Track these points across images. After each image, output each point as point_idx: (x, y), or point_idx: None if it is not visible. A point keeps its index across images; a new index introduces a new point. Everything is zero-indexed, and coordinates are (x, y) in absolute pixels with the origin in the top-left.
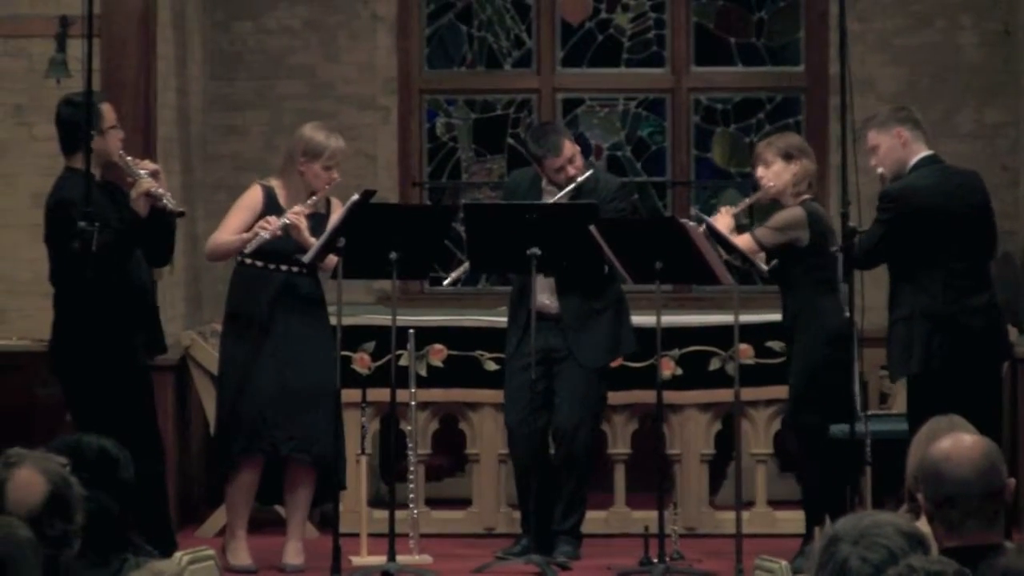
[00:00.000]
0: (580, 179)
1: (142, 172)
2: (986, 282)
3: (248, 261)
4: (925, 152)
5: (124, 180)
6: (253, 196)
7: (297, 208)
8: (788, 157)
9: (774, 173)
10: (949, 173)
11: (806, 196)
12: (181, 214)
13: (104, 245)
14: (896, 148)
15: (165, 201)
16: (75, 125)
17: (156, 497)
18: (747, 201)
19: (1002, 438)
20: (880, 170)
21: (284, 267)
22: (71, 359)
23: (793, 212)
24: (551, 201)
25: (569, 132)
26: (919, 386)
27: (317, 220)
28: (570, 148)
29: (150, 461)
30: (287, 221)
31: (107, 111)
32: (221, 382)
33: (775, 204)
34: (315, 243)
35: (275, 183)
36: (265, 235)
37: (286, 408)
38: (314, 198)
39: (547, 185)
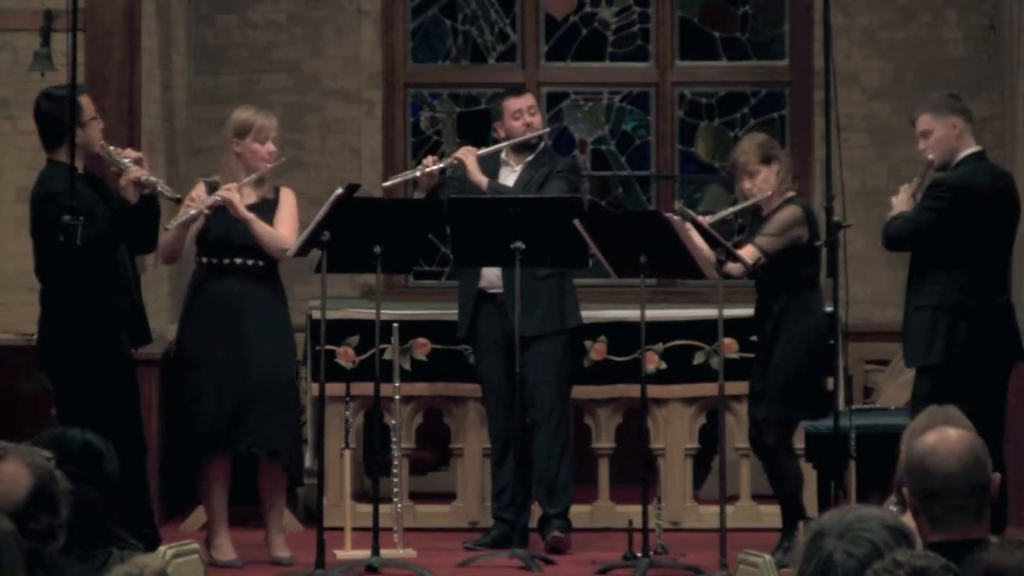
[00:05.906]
0: (543, 131)
1: (126, 161)
2: (1007, 280)
3: (204, 260)
4: (975, 147)
5: (107, 171)
6: (196, 193)
7: (230, 185)
8: (767, 160)
9: (762, 180)
10: (999, 172)
11: (791, 192)
12: (179, 200)
13: (88, 238)
14: (950, 138)
15: (160, 188)
16: (55, 119)
17: (138, 491)
18: (738, 207)
19: (1004, 435)
20: (930, 156)
21: (239, 260)
22: (57, 352)
23: (791, 212)
24: (500, 145)
25: None
26: (933, 377)
27: (267, 207)
28: (532, 100)
29: (133, 455)
30: (218, 198)
31: (86, 103)
32: (182, 381)
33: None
34: (254, 218)
35: (218, 178)
36: (192, 211)
37: (249, 405)
38: (254, 175)
39: (504, 156)
